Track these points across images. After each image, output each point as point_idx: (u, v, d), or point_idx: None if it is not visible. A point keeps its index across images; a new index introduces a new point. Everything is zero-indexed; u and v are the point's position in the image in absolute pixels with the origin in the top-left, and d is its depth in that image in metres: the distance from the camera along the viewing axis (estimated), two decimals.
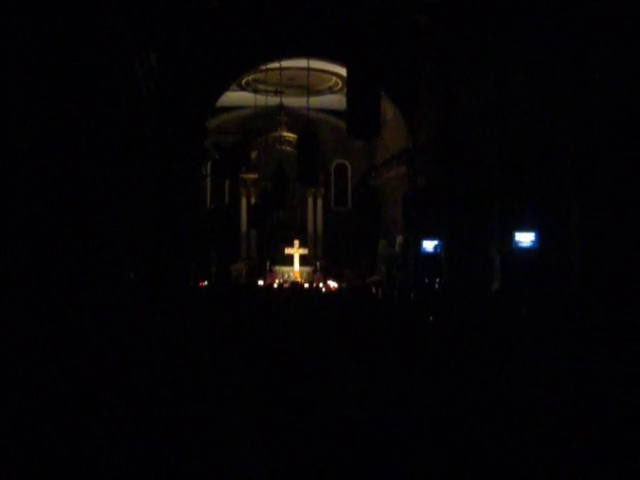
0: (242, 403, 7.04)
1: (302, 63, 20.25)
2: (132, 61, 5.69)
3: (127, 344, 6.40)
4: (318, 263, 26.39)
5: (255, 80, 23.02)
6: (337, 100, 23.65)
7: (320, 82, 23.53)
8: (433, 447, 4.47)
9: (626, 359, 5.21)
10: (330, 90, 24.40)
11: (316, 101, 24.27)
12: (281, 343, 7.92)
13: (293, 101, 24.97)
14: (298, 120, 24.07)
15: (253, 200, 26.19)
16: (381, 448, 4.53)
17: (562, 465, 4.05)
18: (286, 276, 25.51)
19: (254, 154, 24.98)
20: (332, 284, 23.00)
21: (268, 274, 25.21)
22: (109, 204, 4.43)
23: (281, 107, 25.32)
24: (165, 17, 9.64)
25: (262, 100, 23.81)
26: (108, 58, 4.18)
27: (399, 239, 23.04)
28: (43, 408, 2.98)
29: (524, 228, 13.59)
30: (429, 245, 18.40)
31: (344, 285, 21.89)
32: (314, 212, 27.50)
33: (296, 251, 25.68)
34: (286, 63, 20.50)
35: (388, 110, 20.91)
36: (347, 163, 28.51)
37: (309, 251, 26.37)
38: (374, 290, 17.61)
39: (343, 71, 17.76)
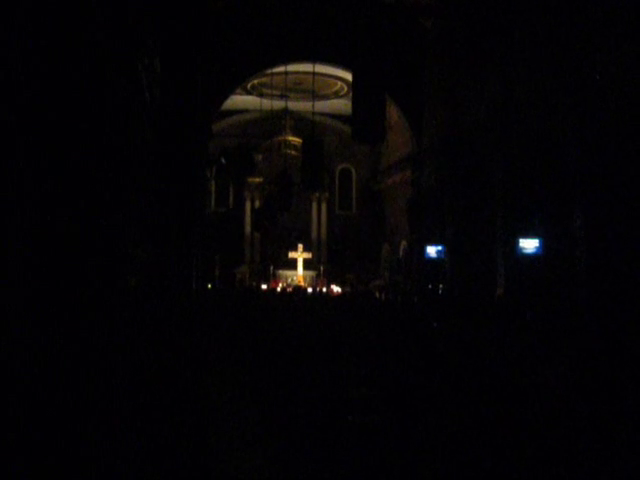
0: (244, 406, 7.04)
1: (308, 67, 20.28)
2: (136, 65, 5.71)
3: (128, 347, 6.41)
4: (321, 267, 26.39)
5: (261, 84, 23.08)
6: (342, 105, 23.71)
7: (325, 87, 23.58)
8: (436, 451, 4.46)
9: (630, 365, 5.20)
10: (335, 95, 24.45)
11: (321, 105, 24.32)
12: (285, 347, 7.92)
13: (298, 105, 25.03)
14: (303, 124, 24.12)
15: (257, 204, 26.24)
16: (383, 453, 4.52)
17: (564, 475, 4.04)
18: (289, 280, 25.52)
19: (259, 158, 25.02)
20: (335, 288, 23.00)
21: (271, 278, 25.23)
22: (112, 208, 4.45)
23: (286, 111, 25.37)
24: (170, 21, 9.68)
25: (267, 104, 23.89)
26: (112, 63, 4.19)
27: (403, 244, 23.05)
28: (44, 410, 2.99)
29: (528, 234, 13.58)
30: (433, 250, 18.39)
31: (347, 290, 21.88)
32: (318, 216, 27.52)
33: (300, 255, 25.69)
34: (292, 67, 20.55)
35: (393, 115, 20.93)
36: (352, 168, 28.53)
37: (312, 255, 26.38)
38: (377, 295, 17.62)
39: (348, 76, 17.82)
